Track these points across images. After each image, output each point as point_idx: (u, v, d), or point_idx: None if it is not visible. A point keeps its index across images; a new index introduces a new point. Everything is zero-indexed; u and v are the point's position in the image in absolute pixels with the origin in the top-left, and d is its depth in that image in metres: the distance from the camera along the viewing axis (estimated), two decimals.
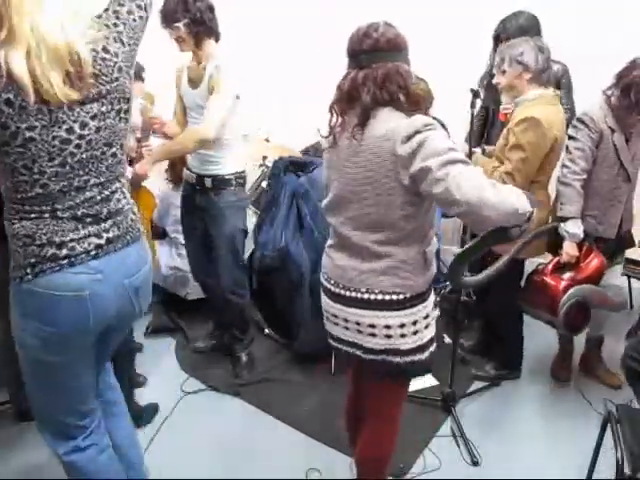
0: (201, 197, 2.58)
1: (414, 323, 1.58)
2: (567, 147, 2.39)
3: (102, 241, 1.41)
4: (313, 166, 3.06)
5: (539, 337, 2.84)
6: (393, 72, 1.46)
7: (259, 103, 4.03)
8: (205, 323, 3.11)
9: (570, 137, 2.39)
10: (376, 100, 1.46)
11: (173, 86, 2.70)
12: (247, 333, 2.87)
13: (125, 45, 1.37)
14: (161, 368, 2.79)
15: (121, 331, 1.66)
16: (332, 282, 1.66)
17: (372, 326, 1.57)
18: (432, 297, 1.66)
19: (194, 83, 2.49)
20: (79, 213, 1.37)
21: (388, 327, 1.56)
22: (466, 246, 1.56)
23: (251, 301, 3.14)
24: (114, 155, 1.42)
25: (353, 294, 1.59)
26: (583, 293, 2.30)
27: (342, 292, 1.62)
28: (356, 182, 1.51)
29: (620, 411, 1.80)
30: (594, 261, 2.35)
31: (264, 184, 3.32)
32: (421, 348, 1.61)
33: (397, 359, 1.59)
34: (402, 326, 1.57)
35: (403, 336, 1.57)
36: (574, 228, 2.33)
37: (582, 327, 2.43)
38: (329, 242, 1.72)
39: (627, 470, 1.66)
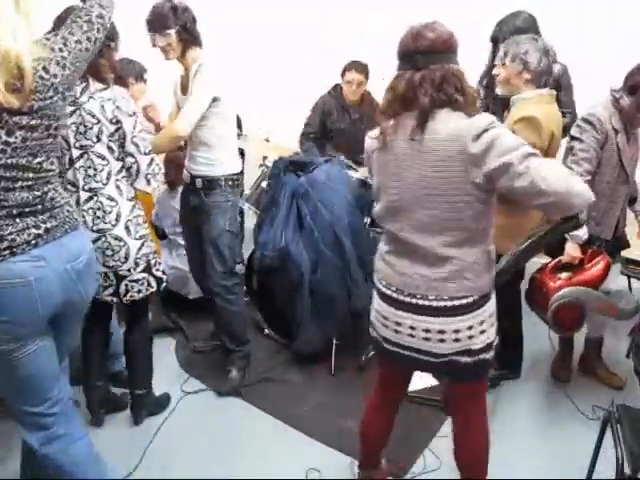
0: (194, 197, 2.63)
1: (481, 323, 1.59)
2: (571, 148, 2.36)
3: (41, 231, 1.50)
4: (313, 166, 3.06)
5: (539, 337, 2.84)
6: (449, 74, 1.48)
7: (260, 103, 4.06)
8: (205, 323, 3.10)
9: (574, 138, 2.36)
10: (434, 102, 1.47)
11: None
12: (239, 345, 2.75)
13: (66, 69, 1.45)
14: (161, 368, 2.78)
15: (72, 320, 1.70)
16: (394, 289, 1.63)
17: (441, 332, 1.57)
18: (494, 295, 1.66)
19: (185, 89, 2.54)
20: (14, 211, 1.46)
21: (457, 331, 1.57)
22: (533, 239, 1.58)
23: (249, 305, 3.08)
24: (40, 164, 1.49)
25: (421, 301, 1.57)
26: (577, 295, 2.27)
27: (408, 299, 1.60)
28: (420, 185, 1.50)
29: (620, 411, 1.80)
30: (599, 265, 2.33)
31: (264, 184, 3.32)
32: (489, 346, 1.62)
33: (465, 359, 1.59)
34: (470, 328, 1.57)
35: (471, 337, 1.58)
36: (577, 230, 2.32)
37: (574, 328, 2.41)
38: (386, 248, 1.68)
39: (627, 470, 1.66)
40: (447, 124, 1.46)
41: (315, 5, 4.14)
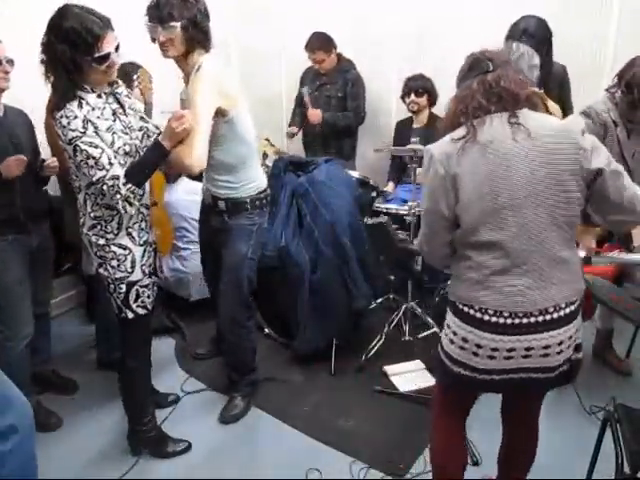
0: (216, 218, 2.38)
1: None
2: None
3: None
4: (313, 166, 3.06)
5: None
6: None
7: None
8: (206, 325, 3.10)
9: None
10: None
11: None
12: (244, 375, 2.59)
13: None
14: (161, 368, 2.78)
15: None
16: (507, 314, 1.46)
17: (561, 343, 1.49)
18: None
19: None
20: None
21: (570, 338, 1.51)
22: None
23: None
24: None
25: (540, 318, 1.46)
26: (587, 283, 2.28)
27: (525, 320, 1.46)
28: (535, 182, 1.41)
29: (620, 411, 1.79)
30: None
31: None
32: (580, 345, 1.59)
33: (567, 365, 1.54)
34: (577, 331, 1.53)
35: (576, 340, 1.54)
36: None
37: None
38: (482, 272, 1.48)
39: (627, 469, 1.66)
40: (544, 119, 1.48)
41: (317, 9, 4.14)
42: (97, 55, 1.79)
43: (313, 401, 2.61)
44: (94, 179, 1.84)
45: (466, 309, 1.51)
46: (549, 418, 2.48)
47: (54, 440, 2.37)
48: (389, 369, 2.80)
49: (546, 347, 1.47)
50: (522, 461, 1.84)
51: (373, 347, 2.88)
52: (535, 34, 2.65)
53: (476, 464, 2.20)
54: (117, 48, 1.85)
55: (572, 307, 1.49)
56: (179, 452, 2.31)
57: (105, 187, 1.84)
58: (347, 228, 2.82)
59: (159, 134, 2.00)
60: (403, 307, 3.03)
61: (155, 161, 1.97)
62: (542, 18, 2.75)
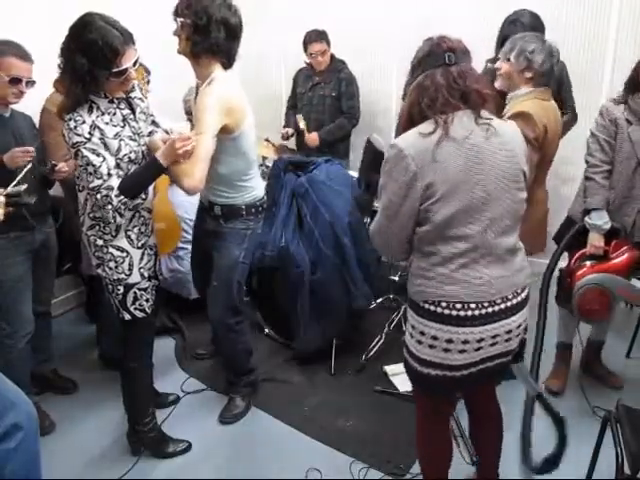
0: (211, 221, 2.36)
1: None
2: (587, 143, 2.41)
3: None
4: (313, 166, 3.06)
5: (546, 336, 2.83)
6: None
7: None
8: (206, 324, 3.09)
9: (590, 133, 2.40)
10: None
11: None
12: (242, 376, 2.60)
13: None
14: (161, 368, 2.78)
15: None
16: (472, 306, 1.51)
17: (519, 326, 1.60)
18: None
19: None
20: None
21: (524, 320, 1.63)
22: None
23: (249, 305, 2.94)
24: None
25: (502, 305, 1.54)
26: (602, 281, 2.27)
27: (489, 310, 1.52)
28: (503, 175, 1.49)
29: (620, 411, 1.79)
30: (624, 254, 2.33)
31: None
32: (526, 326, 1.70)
33: (518, 347, 1.66)
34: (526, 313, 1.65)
35: (527, 321, 1.66)
36: (597, 220, 2.33)
37: (602, 316, 2.38)
38: (450, 267, 1.50)
39: (627, 470, 1.66)
40: (500, 121, 1.57)
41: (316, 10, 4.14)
42: (115, 70, 1.79)
43: (313, 401, 2.62)
44: (90, 186, 1.86)
45: (433, 307, 1.52)
46: (549, 418, 2.49)
47: (54, 440, 2.37)
48: (389, 369, 2.80)
49: (509, 332, 1.56)
50: (495, 443, 1.92)
51: (373, 347, 2.89)
52: (528, 24, 2.65)
53: (476, 464, 2.20)
54: (135, 62, 1.85)
55: (526, 291, 1.61)
56: (179, 452, 2.32)
57: (99, 196, 1.85)
58: (347, 228, 2.82)
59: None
60: (403, 307, 3.02)
61: (150, 177, 1.96)
62: (536, 13, 2.75)
